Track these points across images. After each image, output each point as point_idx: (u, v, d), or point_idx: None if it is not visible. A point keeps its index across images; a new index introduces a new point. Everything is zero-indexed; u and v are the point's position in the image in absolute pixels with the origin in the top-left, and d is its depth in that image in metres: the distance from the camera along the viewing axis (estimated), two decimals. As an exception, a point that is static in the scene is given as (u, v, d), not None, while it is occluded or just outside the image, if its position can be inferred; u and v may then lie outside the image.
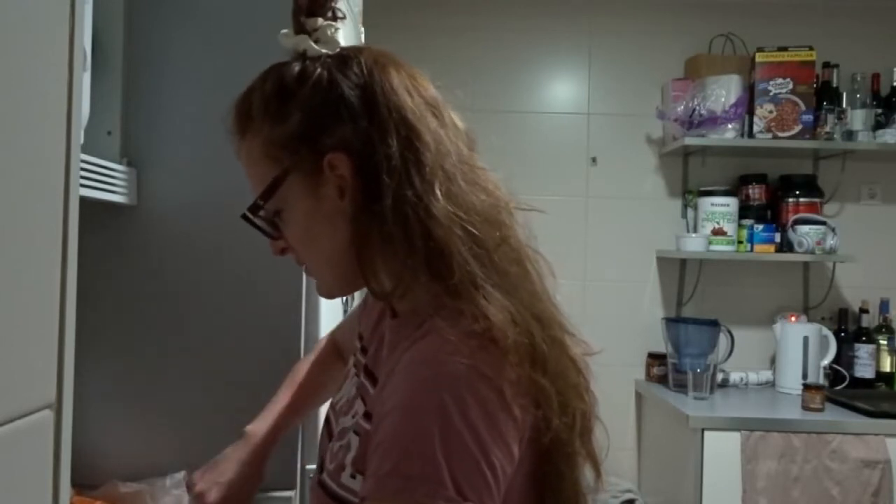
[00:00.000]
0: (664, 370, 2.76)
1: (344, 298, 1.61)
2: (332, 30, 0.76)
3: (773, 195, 2.86)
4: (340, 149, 0.73)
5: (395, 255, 0.72)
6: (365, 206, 0.72)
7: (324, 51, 0.76)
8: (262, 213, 0.77)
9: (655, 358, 2.82)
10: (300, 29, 0.76)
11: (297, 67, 0.75)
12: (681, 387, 2.61)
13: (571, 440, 0.72)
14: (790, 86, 2.69)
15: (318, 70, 0.75)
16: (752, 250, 2.78)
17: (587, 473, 0.75)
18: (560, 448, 0.71)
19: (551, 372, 0.70)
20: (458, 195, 0.72)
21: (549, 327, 0.73)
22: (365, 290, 0.79)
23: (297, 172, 0.75)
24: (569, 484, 0.73)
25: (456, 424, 0.62)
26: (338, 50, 0.77)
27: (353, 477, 0.72)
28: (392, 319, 0.81)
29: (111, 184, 1.25)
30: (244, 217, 0.78)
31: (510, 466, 0.66)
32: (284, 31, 0.77)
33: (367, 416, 0.73)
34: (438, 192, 0.70)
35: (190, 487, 0.97)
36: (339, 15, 0.78)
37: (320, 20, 0.76)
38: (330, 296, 0.83)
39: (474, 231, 0.71)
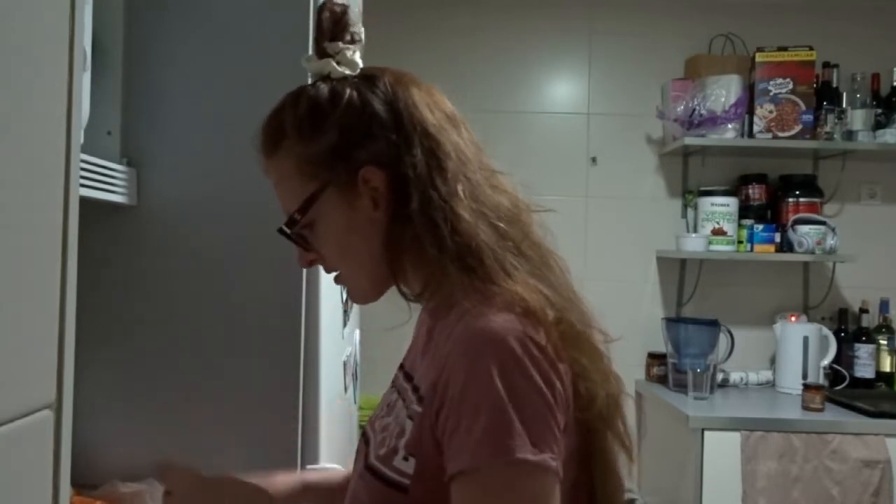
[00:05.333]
0: (664, 370, 2.76)
1: (344, 299, 1.61)
2: (352, 52, 0.82)
3: (773, 195, 2.86)
4: (373, 162, 0.78)
5: (424, 256, 0.77)
6: (396, 214, 0.78)
7: (347, 72, 0.82)
8: (296, 226, 0.82)
9: (655, 358, 2.82)
10: (323, 53, 0.82)
11: (327, 88, 0.81)
12: (681, 387, 2.61)
13: (614, 419, 0.77)
14: (790, 86, 2.69)
15: (349, 90, 0.80)
16: (752, 250, 2.78)
17: (622, 455, 0.80)
18: (606, 424, 0.76)
19: (586, 352, 0.75)
20: (481, 196, 0.78)
21: (580, 313, 0.78)
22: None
23: (333, 187, 0.80)
24: (604, 467, 0.77)
25: (519, 386, 0.67)
26: (360, 70, 0.83)
27: (405, 459, 0.75)
28: (428, 310, 0.86)
29: (111, 184, 1.25)
30: (280, 231, 0.82)
31: (567, 416, 0.71)
32: (308, 55, 0.83)
33: (420, 399, 0.76)
34: (462, 194, 0.76)
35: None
36: (357, 38, 0.84)
37: (341, 44, 0.82)
38: (364, 301, 0.89)
39: (500, 226, 0.77)
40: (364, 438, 0.86)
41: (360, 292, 0.87)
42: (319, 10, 0.83)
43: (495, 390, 0.67)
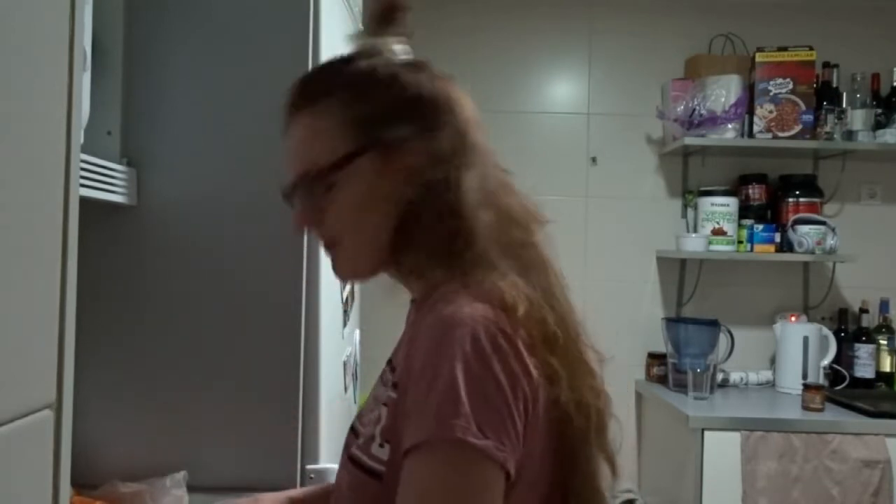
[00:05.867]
0: (664, 370, 2.76)
1: (345, 298, 1.61)
2: (399, 42, 0.84)
3: (773, 195, 2.86)
4: (414, 140, 0.79)
5: (425, 238, 0.79)
6: (417, 194, 0.79)
7: (396, 57, 0.83)
8: (320, 182, 0.80)
9: (655, 358, 2.82)
10: (375, 33, 0.84)
11: (383, 61, 0.82)
12: (681, 387, 2.61)
13: (587, 430, 0.76)
14: (790, 86, 2.69)
15: (402, 69, 0.82)
16: (752, 250, 2.78)
17: (604, 469, 0.79)
18: (575, 435, 0.75)
19: (561, 356, 0.74)
20: (492, 195, 0.80)
21: (563, 322, 0.78)
22: None
23: (371, 154, 0.80)
24: (581, 477, 0.77)
25: (476, 371, 0.67)
26: (407, 58, 0.85)
27: (381, 446, 0.76)
28: (413, 306, 0.88)
29: (111, 184, 1.25)
30: (293, 186, 0.82)
31: (528, 413, 0.71)
32: (358, 31, 0.85)
33: (395, 385, 0.77)
34: (472, 188, 0.78)
35: None
36: (406, 31, 0.86)
37: (390, 31, 0.85)
38: (352, 277, 0.88)
39: (501, 227, 0.79)
40: (354, 432, 0.87)
41: (351, 267, 0.86)
42: None
43: (451, 373, 0.67)
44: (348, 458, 0.81)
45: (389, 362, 0.91)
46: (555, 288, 0.81)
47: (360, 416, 0.89)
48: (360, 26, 0.86)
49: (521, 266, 0.78)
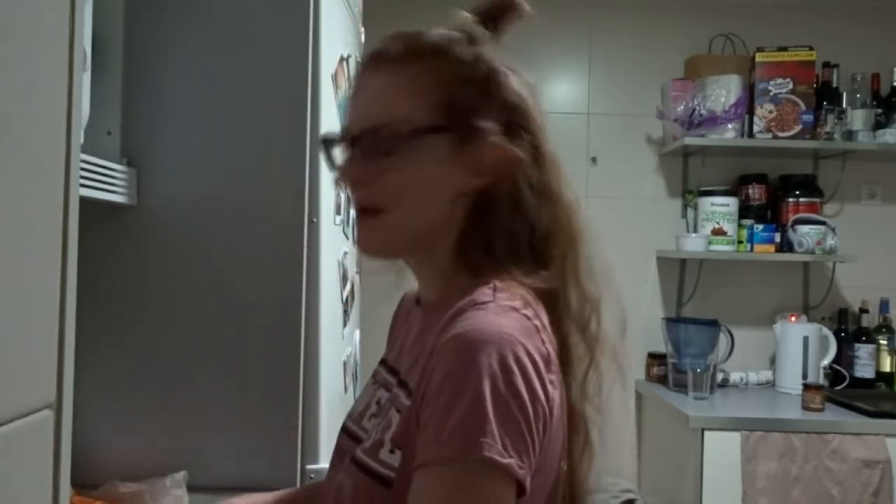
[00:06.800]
0: (664, 370, 2.76)
1: (345, 298, 1.61)
2: (496, 45, 0.84)
3: (773, 195, 2.86)
4: (495, 137, 0.78)
5: (488, 236, 0.78)
6: (496, 194, 0.78)
7: (496, 55, 0.82)
8: (380, 144, 0.76)
9: (655, 358, 2.82)
10: (480, 24, 0.84)
11: (486, 53, 0.81)
12: (681, 387, 2.61)
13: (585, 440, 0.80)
14: (790, 86, 2.69)
15: (501, 68, 0.81)
16: (752, 250, 2.78)
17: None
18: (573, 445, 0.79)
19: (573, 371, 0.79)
20: (554, 203, 0.84)
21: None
22: None
23: (451, 136, 0.77)
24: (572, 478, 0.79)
25: (502, 390, 0.67)
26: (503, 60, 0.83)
27: (391, 452, 0.75)
28: (419, 308, 0.87)
29: (111, 184, 1.25)
30: (355, 138, 0.78)
31: (544, 431, 0.71)
32: (462, 11, 0.83)
33: (409, 393, 0.76)
34: (543, 195, 0.82)
35: None
36: (502, 37, 0.85)
37: (498, 27, 0.85)
38: (381, 252, 0.82)
39: (554, 235, 0.82)
40: (351, 436, 0.86)
41: (384, 241, 0.80)
42: None
43: (478, 390, 0.66)
44: (352, 463, 0.79)
45: (385, 363, 0.91)
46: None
47: (352, 417, 0.89)
48: (467, 15, 0.83)
49: (555, 273, 0.80)
